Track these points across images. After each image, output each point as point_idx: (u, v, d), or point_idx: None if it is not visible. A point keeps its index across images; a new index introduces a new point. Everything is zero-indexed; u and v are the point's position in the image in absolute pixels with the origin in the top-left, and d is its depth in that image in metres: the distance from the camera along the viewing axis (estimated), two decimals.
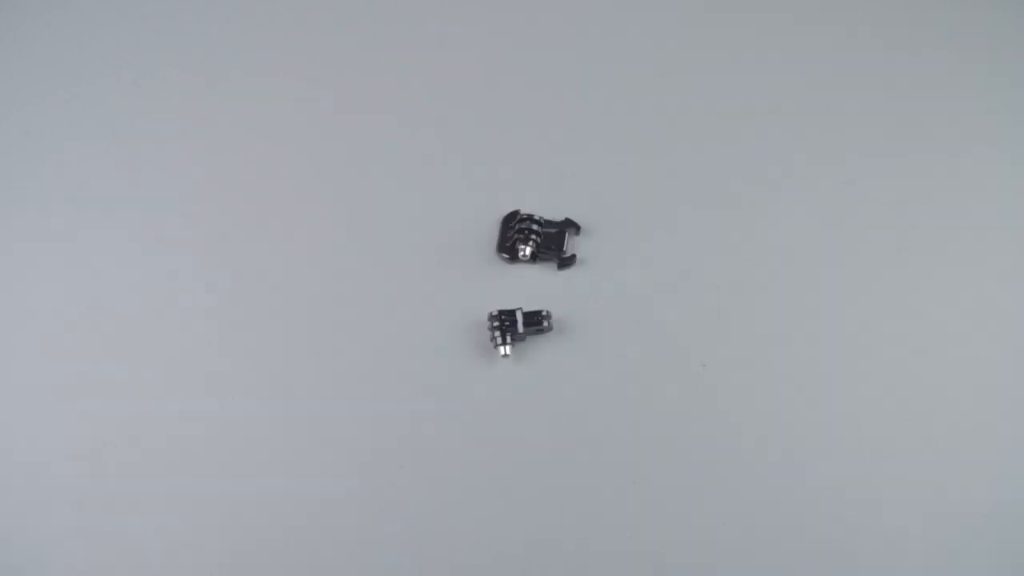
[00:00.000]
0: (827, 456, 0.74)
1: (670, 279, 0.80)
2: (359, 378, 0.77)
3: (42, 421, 0.76)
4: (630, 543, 0.72)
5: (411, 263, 0.81)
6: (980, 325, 0.78)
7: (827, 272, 0.80)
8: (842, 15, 0.91)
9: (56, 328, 0.79)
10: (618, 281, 0.80)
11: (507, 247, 0.80)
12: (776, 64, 0.89)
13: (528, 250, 0.79)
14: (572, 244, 0.81)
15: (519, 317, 0.75)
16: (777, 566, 0.72)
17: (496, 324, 0.75)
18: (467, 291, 0.80)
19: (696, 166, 0.85)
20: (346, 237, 0.82)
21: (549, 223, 0.81)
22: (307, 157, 0.85)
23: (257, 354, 0.78)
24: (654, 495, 0.73)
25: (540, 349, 0.78)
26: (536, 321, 0.76)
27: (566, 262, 0.80)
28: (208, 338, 0.79)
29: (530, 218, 0.80)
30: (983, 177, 0.84)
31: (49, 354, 0.78)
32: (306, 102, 0.88)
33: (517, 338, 0.76)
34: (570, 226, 0.81)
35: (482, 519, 0.74)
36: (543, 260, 0.80)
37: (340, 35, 0.91)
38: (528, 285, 0.80)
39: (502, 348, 0.75)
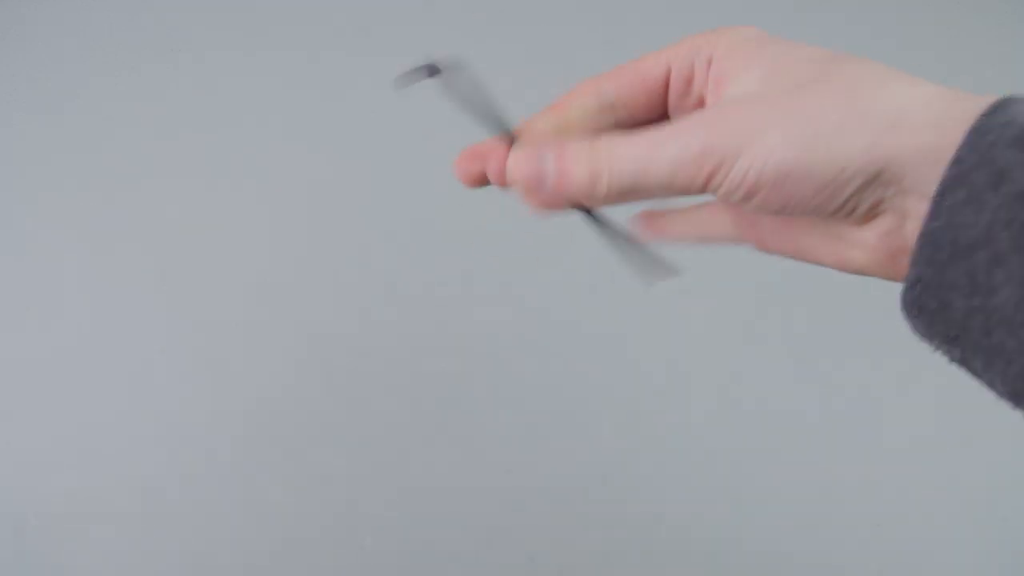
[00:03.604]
0: (828, 456, 0.72)
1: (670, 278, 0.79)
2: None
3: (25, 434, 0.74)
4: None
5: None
6: None
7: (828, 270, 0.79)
8: (842, 14, 0.92)
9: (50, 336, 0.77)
10: (619, 281, 0.78)
11: None
12: None
13: None
14: None
15: None
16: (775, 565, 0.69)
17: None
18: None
19: None
20: (346, 238, 0.81)
21: None
22: (308, 158, 0.85)
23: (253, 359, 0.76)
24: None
25: (540, 349, 0.76)
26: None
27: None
28: (209, 338, 0.76)
29: None
30: None
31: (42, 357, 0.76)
32: (306, 103, 0.88)
33: None
34: None
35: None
36: None
37: (342, 35, 0.92)
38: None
39: None
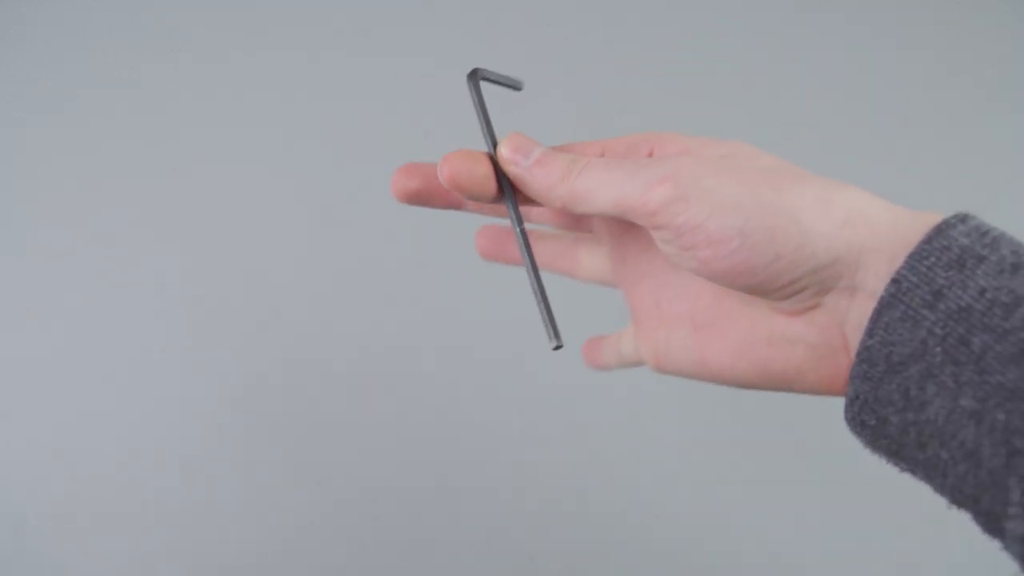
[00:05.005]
0: (828, 457, 0.71)
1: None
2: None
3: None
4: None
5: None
6: None
7: None
8: (842, 14, 0.92)
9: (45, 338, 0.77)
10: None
11: None
12: (774, 64, 0.90)
13: None
14: None
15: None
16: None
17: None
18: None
19: None
20: (346, 238, 0.81)
21: None
22: (308, 158, 0.85)
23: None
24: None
25: (541, 349, 0.75)
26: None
27: None
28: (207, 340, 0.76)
29: None
30: (979, 173, 0.84)
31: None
32: (306, 103, 0.88)
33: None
34: None
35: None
36: None
37: (342, 35, 0.92)
38: None
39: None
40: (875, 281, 0.30)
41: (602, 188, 0.33)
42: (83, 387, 0.76)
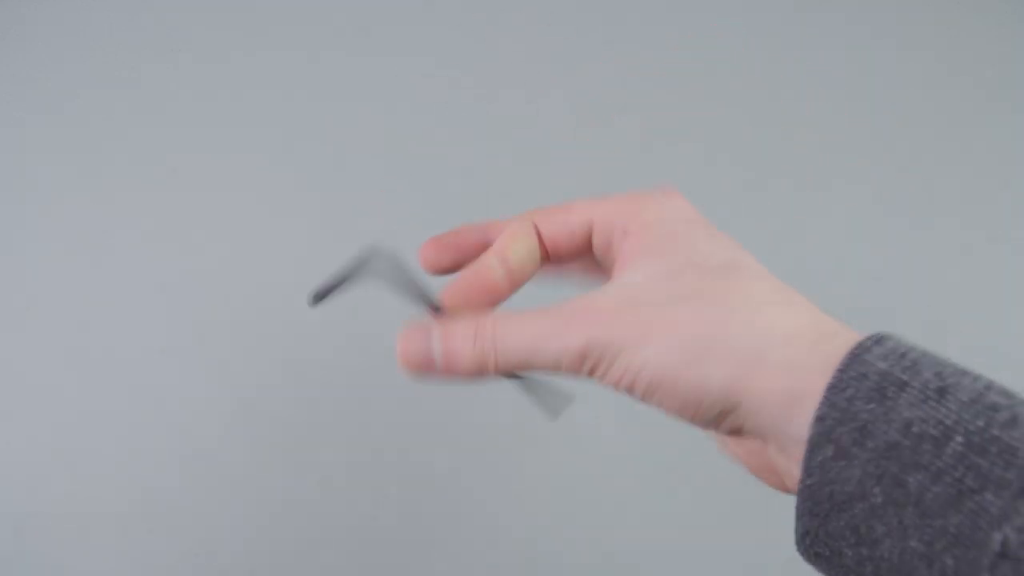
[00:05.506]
0: None
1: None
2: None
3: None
4: None
5: None
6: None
7: (821, 272, 0.79)
8: (842, 14, 0.92)
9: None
10: None
11: None
12: (774, 64, 0.90)
13: None
14: None
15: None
16: None
17: None
18: None
19: (693, 175, 0.84)
20: (347, 237, 0.81)
21: None
22: (308, 157, 0.85)
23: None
24: None
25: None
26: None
27: None
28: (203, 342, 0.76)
29: None
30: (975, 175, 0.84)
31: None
32: (306, 103, 0.87)
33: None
34: None
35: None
36: None
37: (342, 35, 0.91)
38: None
39: None
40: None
41: (519, 348, 0.31)
42: (83, 387, 0.76)
